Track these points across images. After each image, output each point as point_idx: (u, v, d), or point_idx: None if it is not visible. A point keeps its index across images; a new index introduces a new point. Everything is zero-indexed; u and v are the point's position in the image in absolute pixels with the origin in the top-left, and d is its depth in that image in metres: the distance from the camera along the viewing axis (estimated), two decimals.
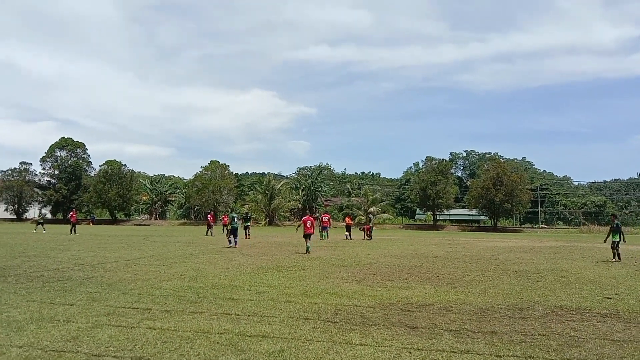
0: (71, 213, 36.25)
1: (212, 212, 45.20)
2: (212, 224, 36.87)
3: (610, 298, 9.25)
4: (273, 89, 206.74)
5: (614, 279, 12.17)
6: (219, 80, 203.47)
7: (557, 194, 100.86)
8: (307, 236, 20.32)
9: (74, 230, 34.10)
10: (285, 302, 8.40)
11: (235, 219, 22.69)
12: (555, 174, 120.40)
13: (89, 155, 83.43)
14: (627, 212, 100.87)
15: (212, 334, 6.16)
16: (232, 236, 21.99)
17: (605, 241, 18.43)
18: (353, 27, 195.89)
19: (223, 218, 45.26)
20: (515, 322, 7.15)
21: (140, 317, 7.08)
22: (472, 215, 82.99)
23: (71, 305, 7.92)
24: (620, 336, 6.34)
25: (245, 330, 6.37)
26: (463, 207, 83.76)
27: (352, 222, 32.77)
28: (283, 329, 6.50)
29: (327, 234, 31.35)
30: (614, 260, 17.10)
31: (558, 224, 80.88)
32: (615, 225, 17.75)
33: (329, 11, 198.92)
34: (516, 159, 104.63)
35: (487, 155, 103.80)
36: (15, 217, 76.34)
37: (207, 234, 34.80)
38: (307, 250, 19.67)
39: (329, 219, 32.87)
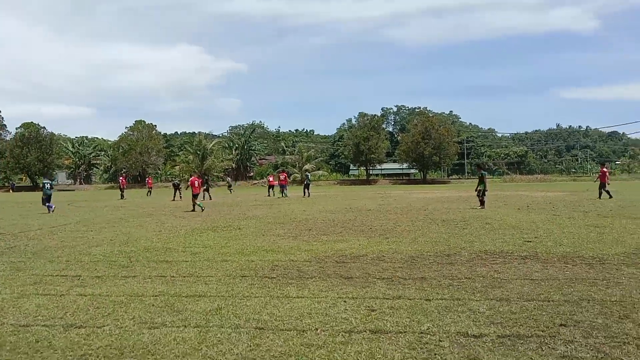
0: None
1: (124, 175, 43.84)
2: (123, 187, 35.74)
3: (530, 241, 9.92)
4: (200, 43, 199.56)
5: (533, 223, 13.04)
6: (142, 35, 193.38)
7: (482, 145, 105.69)
8: (195, 196, 20.54)
9: None
10: (221, 262, 8.38)
11: (47, 186, 21.77)
12: (480, 127, 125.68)
13: (3, 118, 77.62)
14: (546, 160, 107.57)
15: (146, 297, 6.05)
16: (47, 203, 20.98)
17: (475, 190, 19.51)
18: None
19: (148, 180, 44.21)
20: (444, 267, 7.54)
21: (69, 285, 6.83)
22: (402, 169, 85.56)
23: None
24: (539, 275, 6.85)
25: (181, 291, 6.32)
26: (394, 161, 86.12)
27: (286, 181, 32.78)
28: (220, 287, 6.50)
29: (286, 192, 31.43)
30: (480, 207, 18.26)
31: (483, 174, 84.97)
32: (480, 175, 19.21)
33: None
34: (444, 113, 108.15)
35: (416, 110, 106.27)
36: None
37: (121, 198, 33.73)
38: (199, 208, 20.01)
39: (285, 177, 33.04)
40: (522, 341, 4.29)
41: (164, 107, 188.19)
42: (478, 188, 18.89)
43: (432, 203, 22.49)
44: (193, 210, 20.09)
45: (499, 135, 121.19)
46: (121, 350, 4.27)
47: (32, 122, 74.47)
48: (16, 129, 73.98)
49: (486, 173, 19.59)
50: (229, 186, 43.34)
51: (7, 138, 75.10)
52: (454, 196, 28.28)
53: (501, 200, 23.14)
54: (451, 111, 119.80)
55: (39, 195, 47.00)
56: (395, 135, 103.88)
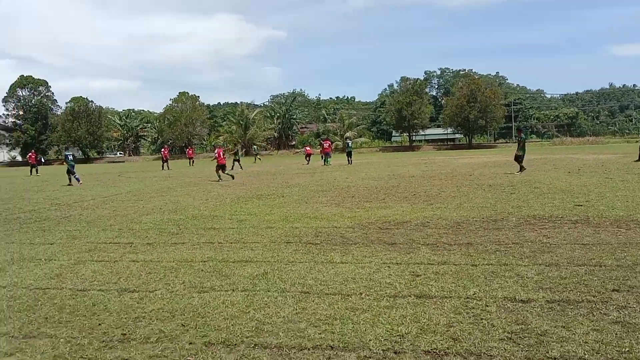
0: (29, 154, 35.86)
1: (166, 147, 44.91)
2: (166, 158, 36.52)
3: (580, 205, 9.60)
4: (239, 12, 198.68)
5: (584, 187, 12.59)
6: (182, 6, 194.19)
7: (530, 107, 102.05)
8: (220, 167, 20.42)
9: (36, 171, 33.72)
10: (266, 228, 8.52)
11: (70, 157, 22.15)
12: (528, 88, 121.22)
13: (53, 94, 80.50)
14: (597, 122, 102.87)
15: (195, 262, 6.24)
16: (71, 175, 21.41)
17: (515, 155, 18.74)
18: None
19: (188, 151, 45.08)
20: (490, 233, 7.40)
21: (122, 252, 7.11)
22: (447, 134, 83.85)
23: (51, 244, 7.89)
24: (590, 240, 6.63)
25: (229, 257, 6.47)
26: (438, 126, 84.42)
27: (329, 149, 32.65)
28: (265, 253, 6.62)
29: (329, 160, 31.45)
30: (518, 172, 17.61)
31: (532, 137, 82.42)
32: (520, 139, 18.69)
33: None
34: (490, 74, 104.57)
35: (461, 73, 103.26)
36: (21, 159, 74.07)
37: (163, 169, 34.48)
38: (229, 177, 20.23)
39: (329, 145, 33.01)
40: (572, 307, 4.18)
41: (206, 77, 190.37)
42: (517, 153, 18.35)
43: (478, 168, 22.02)
44: (219, 180, 20.17)
45: (548, 96, 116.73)
46: (172, 313, 4.44)
47: (80, 96, 76.83)
48: (66, 103, 76.59)
49: (525, 137, 19.13)
50: (256, 154, 43.41)
51: (58, 113, 77.94)
52: (501, 161, 27.56)
53: (550, 164, 22.39)
54: (497, 72, 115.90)
55: (91, 167, 48.81)
56: (439, 100, 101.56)
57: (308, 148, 35.46)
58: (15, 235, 8.84)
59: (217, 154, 20.76)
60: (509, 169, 20.33)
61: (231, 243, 7.42)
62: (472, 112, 64.85)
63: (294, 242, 7.25)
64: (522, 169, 17.85)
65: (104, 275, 5.83)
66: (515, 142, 69.70)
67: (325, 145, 32.61)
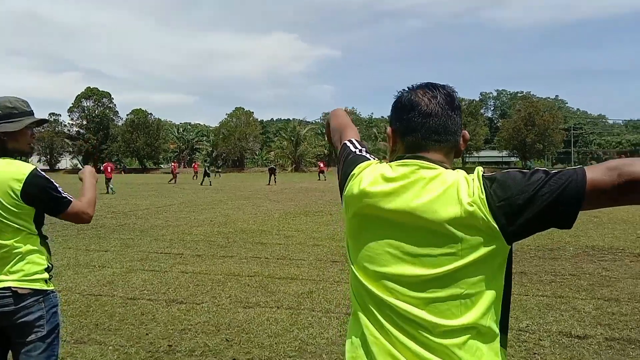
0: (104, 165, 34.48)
1: (175, 162, 45.09)
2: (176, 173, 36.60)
3: None
4: (295, 31, 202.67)
5: None
6: (240, 24, 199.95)
7: (591, 133, 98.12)
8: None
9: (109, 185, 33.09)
10: (313, 246, 8.50)
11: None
12: (589, 113, 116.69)
13: (115, 105, 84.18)
14: None
15: (242, 277, 6.29)
16: None
17: None
18: None
19: (193, 165, 45.71)
20: (545, 262, 7.09)
21: (172, 262, 7.27)
22: (502, 156, 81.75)
23: (105, 251, 8.17)
24: None
25: (275, 273, 6.49)
26: (493, 148, 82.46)
27: None
28: (311, 271, 6.59)
29: None
30: None
31: (591, 164, 78.92)
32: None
33: None
34: (549, 97, 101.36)
35: (518, 95, 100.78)
36: (48, 167, 78.51)
37: (170, 182, 34.55)
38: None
39: None
40: (633, 346, 3.92)
41: (260, 94, 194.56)
42: None
43: None
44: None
45: (611, 122, 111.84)
46: (217, 327, 4.46)
47: (140, 108, 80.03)
48: (127, 115, 79.91)
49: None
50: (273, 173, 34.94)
51: (119, 124, 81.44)
52: None
53: None
54: (557, 96, 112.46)
55: (147, 176, 50.43)
56: (495, 122, 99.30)
57: (322, 165, 35.68)
58: (73, 241, 9.22)
59: (104, 168, 22.87)
60: None
61: (277, 259, 7.44)
62: (530, 135, 62.98)
63: (340, 262, 7.19)
64: None
65: (154, 284, 5.96)
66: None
67: None
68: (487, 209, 1.10)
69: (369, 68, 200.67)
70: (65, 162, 79.24)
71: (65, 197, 2.24)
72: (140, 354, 3.87)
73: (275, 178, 32.56)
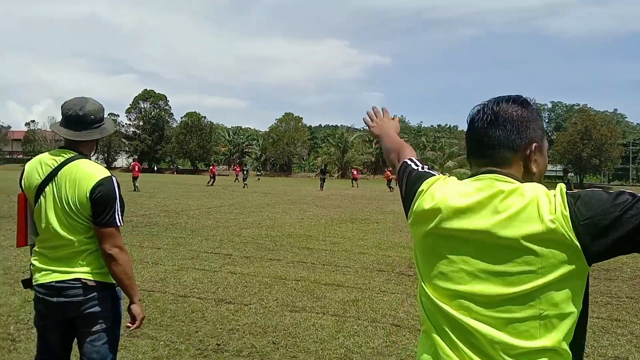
0: (133, 164, 29.43)
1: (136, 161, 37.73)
2: (214, 175, 36.07)
3: None
4: (346, 38, 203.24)
5: None
6: (292, 30, 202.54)
7: None
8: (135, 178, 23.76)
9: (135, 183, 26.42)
10: (359, 254, 8.50)
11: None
12: None
13: (170, 107, 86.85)
14: None
15: (289, 281, 6.37)
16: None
17: None
18: None
19: (236, 168, 45.28)
20: (601, 283, 6.81)
21: (221, 262, 7.44)
22: (556, 170, 79.04)
23: (158, 249, 8.45)
24: None
25: (321, 279, 6.53)
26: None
27: None
28: (357, 279, 6.60)
29: None
30: None
31: None
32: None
33: None
34: (607, 111, 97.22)
35: (575, 107, 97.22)
36: (105, 165, 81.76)
37: (135, 189, 25.87)
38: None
39: None
40: None
41: (310, 99, 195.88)
42: None
43: None
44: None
45: None
46: (264, 329, 4.54)
47: (194, 111, 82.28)
48: (181, 118, 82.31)
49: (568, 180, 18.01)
50: (322, 179, 34.84)
51: (174, 125, 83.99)
52: None
53: None
54: (615, 109, 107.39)
55: (198, 178, 51.61)
56: (549, 134, 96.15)
57: (388, 172, 34.89)
58: (128, 237, 9.56)
59: (132, 167, 23.99)
60: None
61: (323, 265, 7.48)
62: (586, 149, 60.66)
63: (386, 271, 7.16)
64: None
65: (204, 283, 6.12)
66: (636, 185, 64.13)
67: None
68: (571, 227, 1.07)
69: (419, 76, 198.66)
70: (122, 161, 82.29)
71: (118, 218, 2.27)
72: (190, 351, 3.99)
73: (323, 184, 32.67)
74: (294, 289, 5.96)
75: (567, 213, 1.07)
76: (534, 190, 1.14)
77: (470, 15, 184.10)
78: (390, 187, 33.09)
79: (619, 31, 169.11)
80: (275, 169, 79.44)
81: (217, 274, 6.67)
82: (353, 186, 38.35)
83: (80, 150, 2.34)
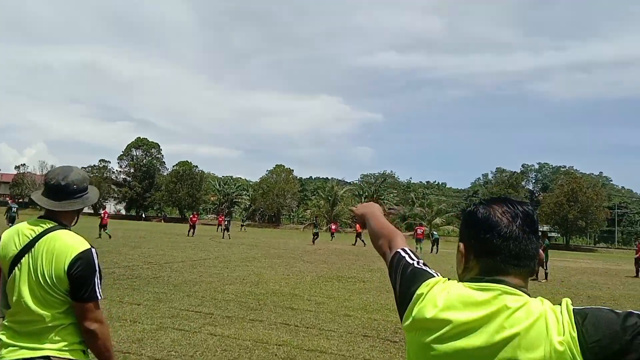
0: (103, 212, 27.61)
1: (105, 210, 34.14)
2: (194, 224, 34.63)
3: None
4: (339, 94, 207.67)
5: None
6: (288, 85, 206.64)
7: (636, 212, 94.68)
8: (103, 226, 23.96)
9: (104, 230, 25.48)
10: (344, 316, 8.34)
11: (13, 209, 26.15)
12: (635, 192, 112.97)
13: (162, 155, 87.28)
14: None
15: (270, 345, 6.19)
16: None
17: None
18: (423, 33, 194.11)
19: (219, 218, 43.42)
20: None
21: (202, 322, 7.25)
22: (542, 231, 79.45)
23: (138, 304, 8.24)
24: None
25: (304, 344, 6.36)
26: None
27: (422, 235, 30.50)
28: (341, 345, 6.44)
29: (421, 246, 29.85)
30: (544, 279, 16.43)
31: (637, 244, 75.74)
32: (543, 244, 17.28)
33: (399, 17, 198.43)
34: (593, 173, 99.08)
35: (561, 169, 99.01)
36: (92, 211, 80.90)
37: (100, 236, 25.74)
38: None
39: (422, 232, 31.21)
40: None
41: (301, 152, 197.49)
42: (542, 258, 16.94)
43: (574, 274, 20.40)
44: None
45: None
46: None
47: (186, 160, 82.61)
48: (173, 166, 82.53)
49: (548, 242, 18.60)
50: (315, 234, 34.54)
51: (165, 173, 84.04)
52: (600, 268, 25.44)
53: None
54: (601, 172, 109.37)
55: (185, 227, 51.20)
56: (536, 195, 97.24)
57: (419, 232, 32.72)
58: (108, 291, 9.31)
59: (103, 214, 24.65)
60: (610, 279, 18.68)
61: (307, 327, 7.32)
62: (572, 211, 61.28)
63: (371, 337, 7.01)
64: (546, 275, 16.75)
65: (182, 346, 5.93)
66: (621, 248, 64.49)
67: (419, 231, 31.37)
68: (579, 350, 1.03)
69: (409, 133, 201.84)
70: (110, 207, 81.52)
71: (98, 291, 2.23)
72: None
73: (316, 238, 31.82)
74: (275, 355, 5.79)
75: (575, 334, 1.04)
76: (541, 306, 1.11)
77: (460, 77, 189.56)
78: (363, 242, 31.02)
79: (604, 97, 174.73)
80: (264, 219, 79.06)
81: (197, 335, 6.48)
82: (332, 240, 38.27)
83: (60, 220, 2.32)
